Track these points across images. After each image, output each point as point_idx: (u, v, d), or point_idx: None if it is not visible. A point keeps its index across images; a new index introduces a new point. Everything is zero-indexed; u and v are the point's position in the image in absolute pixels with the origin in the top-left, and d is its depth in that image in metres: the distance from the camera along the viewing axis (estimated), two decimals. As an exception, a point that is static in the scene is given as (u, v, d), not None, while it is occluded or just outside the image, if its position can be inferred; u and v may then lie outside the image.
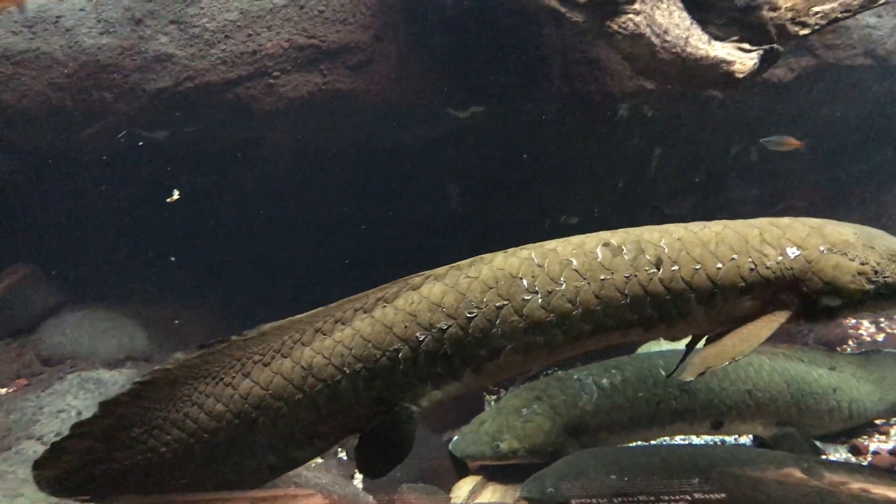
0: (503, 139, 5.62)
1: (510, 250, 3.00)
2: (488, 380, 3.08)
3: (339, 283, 6.08)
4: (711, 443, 4.85)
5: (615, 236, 2.99)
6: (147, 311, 6.04)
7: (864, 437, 4.82)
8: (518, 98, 5.33)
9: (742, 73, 3.71)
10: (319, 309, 2.97)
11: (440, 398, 3.00)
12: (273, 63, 5.07)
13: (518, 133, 5.59)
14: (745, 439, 4.85)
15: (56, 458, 2.89)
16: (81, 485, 2.91)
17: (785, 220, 3.05)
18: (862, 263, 2.88)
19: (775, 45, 3.82)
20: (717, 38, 3.90)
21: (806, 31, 3.90)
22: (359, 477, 4.70)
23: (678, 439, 4.82)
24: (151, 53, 5.06)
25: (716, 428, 4.45)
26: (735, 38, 3.91)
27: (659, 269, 2.85)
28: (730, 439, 4.88)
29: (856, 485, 3.51)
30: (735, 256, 2.87)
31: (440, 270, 2.99)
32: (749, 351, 2.77)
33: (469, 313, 2.83)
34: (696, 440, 4.88)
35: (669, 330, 2.99)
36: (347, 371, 2.85)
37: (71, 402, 5.00)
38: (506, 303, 2.83)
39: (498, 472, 4.39)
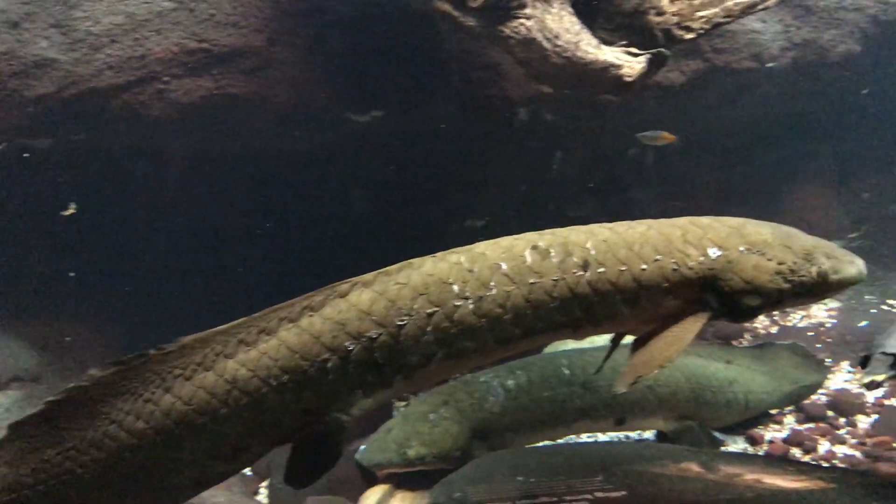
0: (405, 143, 5.59)
1: (439, 254, 2.95)
2: (419, 386, 3.04)
3: (243, 293, 5.96)
4: (615, 439, 4.93)
5: (543, 238, 2.97)
6: (35, 329, 5.73)
7: (761, 426, 4.98)
8: (418, 102, 5.31)
9: (631, 76, 3.79)
10: (242, 319, 2.86)
11: (370, 406, 2.93)
12: (162, 68, 4.90)
13: (419, 137, 5.57)
14: (648, 434, 4.95)
15: None
16: None
17: (706, 220, 3.08)
18: (779, 263, 2.94)
19: (662, 49, 3.91)
20: (606, 42, 3.97)
21: (691, 35, 4.01)
22: (263, 492, 4.58)
23: (584, 437, 4.88)
24: (31, 58, 4.81)
25: (619, 424, 4.51)
26: (623, 42, 3.98)
27: (586, 272, 2.85)
28: (633, 435, 4.97)
29: (750, 476, 3.60)
30: (659, 257, 2.89)
31: (368, 277, 2.91)
32: (676, 355, 2.81)
33: (399, 321, 2.77)
34: (601, 437, 4.95)
35: (596, 330, 3.00)
36: (274, 383, 2.74)
37: (-50, 428, 4.70)
38: (437, 309, 2.78)
39: (406, 479, 4.34)
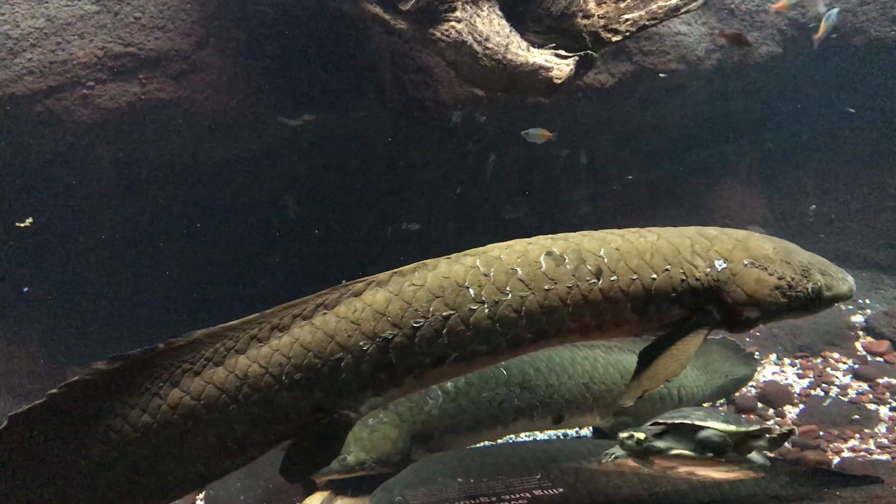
0: (338, 147, 5.55)
1: (454, 256, 2.96)
2: (428, 384, 3.03)
3: (174, 301, 5.84)
4: (554, 438, 4.98)
5: (556, 244, 3.00)
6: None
7: (693, 420, 5.09)
8: (350, 105, 5.28)
9: (560, 78, 3.83)
10: (255, 315, 2.80)
11: (379, 404, 2.95)
12: (86, 72, 4.76)
13: (352, 140, 5.54)
14: (586, 431, 5.01)
15: None
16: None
17: (713, 231, 3.18)
18: (779, 278, 3.03)
19: (590, 51, 3.97)
20: (535, 45, 4.01)
21: (617, 38, 4.07)
22: (200, 502, 4.49)
23: (523, 436, 4.92)
24: (-54, 62, 4.63)
25: (557, 422, 4.56)
26: (552, 45, 4.03)
27: (599, 280, 2.90)
28: (571, 432, 5.02)
29: (683, 468, 3.68)
30: (668, 267, 2.96)
31: (383, 276, 2.89)
32: (680, 370, 2.89)
33: (415, 323, 2.78)
34: (539, 436, 4.99)
35: (602, 335, 3.08)
36: (286, 380, 2.74)
37: None
38: (453, 312, 2.79)
39: (346, 485, 4.31)
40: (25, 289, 5.27)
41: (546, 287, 2.87)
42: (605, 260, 2.95)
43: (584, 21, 4.03)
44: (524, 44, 3.89)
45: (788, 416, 4.99)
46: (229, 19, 5.00)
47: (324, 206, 5.93)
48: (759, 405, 5.11)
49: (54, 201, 5.32)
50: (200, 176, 5.53)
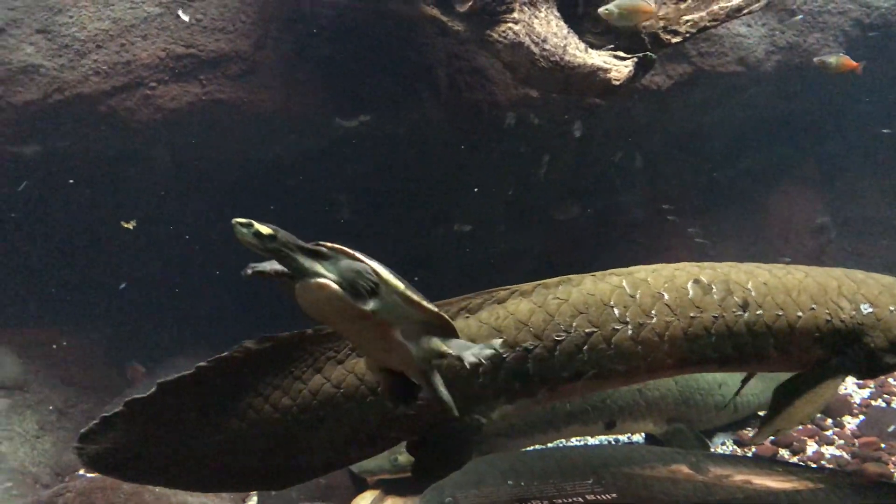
0: (392, 148, 5.58)
1: (599, 274, 2.99)
2: (561, 398, 3.06)
3: (229, 300, 5.94)
4: (605, 443, 4.94)
5: (704, 272, 3.02)
6: (19, 337, 5.68)
7: (749, 428, 5.01)
8: (405, 107, 5.30)
9: (618, 80, 3.81)
10: None
11: (510, 412, 2.97)
12: (149, 73, 4.87)
13: (407, 141, 5.56)
14: (638, 437, 4.96)
15: (103, 433, 2.73)
16: (124, 464, 2.77)
17: (860, 275, 3.18)
18: None
19: (649, 53, 3.93)
20: (593, 46, 3.99)
21: (677, 39, 4.03)
22: (254, 499, 4.56)
23: (573, 441, 4.89)
24: (17, 64, 4.78)
25: (609, 428, 4.52)
26: (611, 46, 4.00)
27: (745, 312, 2.92)
28: (623, 438, 4.98)
29: (739, 477, 3.63)
30: (814, 306, 2.99)
31: (526, 287, 2.94)
32: (815, 414, 2.91)
33: (557, 336, 2.81)
34: (591, 441, 4.96)
35: (741, 367, 3.11)
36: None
37: (-65, 438, 4.68)
38: (595, 330, 2.82)
39: (396, 485, 4.34)
40: (123, 285, 5.40)
41: (692, 314, 2.89)
42: (753, 293, 2.97)
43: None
44: (582, 45, 3.87)
45: (848, 426, 4.87)
46: (287, 22, 5.07)
47: (376, 207, 5.97)
48: (818, 415, 4.99)
49: (116, 200, 5.47)
50: (255, 176, 5.62)
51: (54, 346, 5.66)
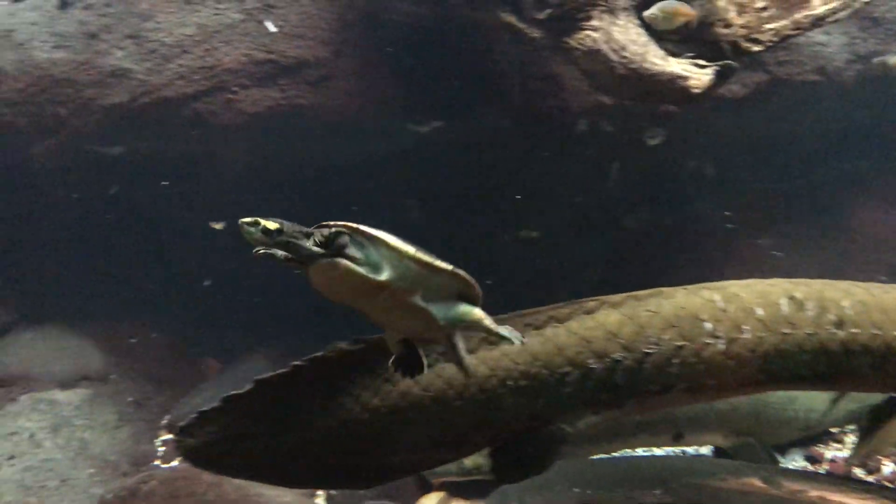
0: (462, 153, 5.64)
1: (690, 287, 2.98)
2: (648, 411, 3.08)
3: (300, 301, 6.07)
4: (672, 454, 4.89)
5: (798, 289, 2.99)
6: (102, 330, 5.93)
7: (821, 445, 4.90)
8: (477, 113, 5.35)
9: (698, 88, 3.78)
10: None
11: (596, 422, 3.00)
12: (231, 78, 5.03)
13: (477, 147, 5.61)
14: (706, 450, 4.90)
15: (201, 427, 2.83)
16: (220, 458, 2.87)
17: None
18: None
19: (730, 61, 3.89)
20: (672, 54, 3.97)
21: (759, 48, 3.98)
22: (321, 494, 4.65)
23: (639, 451, 4.85)
24: (107, 68, 5.00)
25: (677, 439, 4.48)
26: (690, 54, 3.98)
27: (840, 330, 2.90)
28: (690, 450, 4.92)
29: (813, 492, 3.56)
30: None
31: (616, 298, 2.96)
32: None
33: (647, 349, 2.81)
34: (657, 452, 4.91)
35: (833, 387, 3.10)
36: (511, 385, 2.81)
37: (23, 423, 4.91)
38: (686, 343, 2.82)
39: (461, 487, 4.37)
40: (207, 282, 5.57)
41: (785, 331, 2.86)
42: (849, 311, 2.91)
43: (724, 30, 3.95)
44: (661, 53, 3.86)
45: (928, 447, 4.73)
46: (364, 29, 5.17)
47: (444, 212, 6.03)
48: (896, 434, 4.85)
49: (195, 201, 5.65)
50: (329, 179, 5.73)
51: (134, 340, 5.88)
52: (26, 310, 6.00)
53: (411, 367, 2.55)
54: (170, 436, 5.50)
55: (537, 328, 2.88)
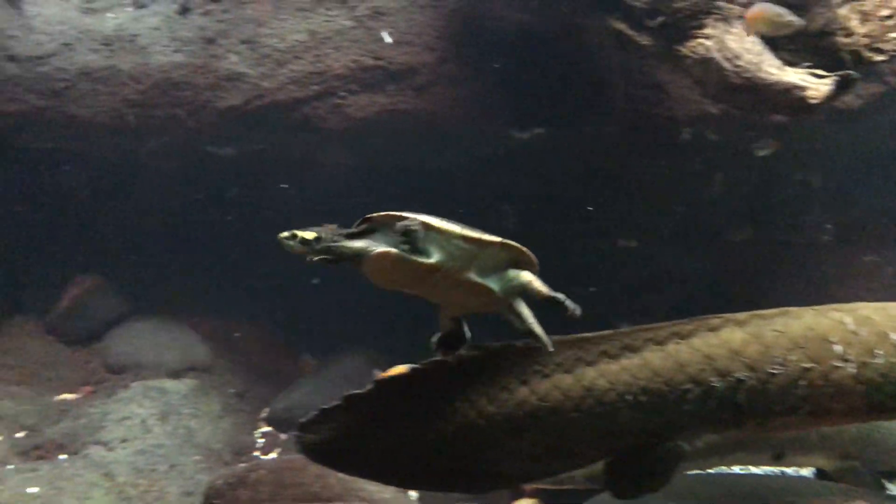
0: (562, 160, 5.63)
1: (819, 308, 2.90)
2: (770, 433, 3.06)
3: (392, 303, 6.17)
4: (771, 473, 4.76)
5: None
6: (207, 323, 6.17)
7: (933, 474, 4.68)
8: (580, 120, 5.33)
9: (816, 99, 3.67)
10: (609, 332, 2.89)
11: (715, 442, 2.94)
12: (340, 83, 5.16)
13: (578, 154, 5.59)
14: (807, 471, 4.74)
15: (320, 424, 2.92)
16: (338, 455, 2.96)
17: None
18: None
19: (852, 72, 3.76)
20: (789, 63, 3.87)
21: (882, 58, 3.84)
22: (414, 495, 4.71)
23: (735, 469, 4.74)
24: (223, 72, 5.20)
25: (777, 459, 4.34)
26: (808, 63, 3.87)
27: None
28: (790, 471, 4.78)
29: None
30: None
31: (741, 316, 2.95)
32: None
33: (772, 369, 2.76)
34: (754, 470, 4.79)
35: None
36: (630, 400, 2.79)
37: (135, 409, 5.14)
38: (814, 366, 2.76)
39: (554, 496, 4.35)
40: (315, 280, 5.74)
41: None
42: None
43: (845, 39, 3.83)
44: (777, 62, 3.77)
45: None
46: (469, 35, 5.23)
47: (542, 218, 6.03)
48: None
49: (298, 202, 5.82)
50: (429, 182, 5.81)
51: (237, 335, 6.09)
52: (138, 302, 6.29)
53: (454, 344, 2.70)
54: (269, 428, 5.69)
55: (658, 343, 2.83)
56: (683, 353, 2.79)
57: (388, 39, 5.01)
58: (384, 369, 4.41)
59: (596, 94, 5.31)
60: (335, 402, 2.88)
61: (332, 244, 2.35)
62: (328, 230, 2.40)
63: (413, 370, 2.88)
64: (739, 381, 2.72)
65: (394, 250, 2.32)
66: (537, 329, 2.57)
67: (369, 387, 2.86)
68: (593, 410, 2.79)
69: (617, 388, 2.77)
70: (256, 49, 5.23)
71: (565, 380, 2.81)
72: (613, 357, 2.82)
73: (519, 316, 2.55)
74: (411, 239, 2.34)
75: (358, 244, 2.37)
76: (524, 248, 2.52)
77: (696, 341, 2.81)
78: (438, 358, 2.88)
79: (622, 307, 6.06)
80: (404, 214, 2.37)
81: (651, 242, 5.98)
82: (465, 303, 2.55)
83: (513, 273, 2.53)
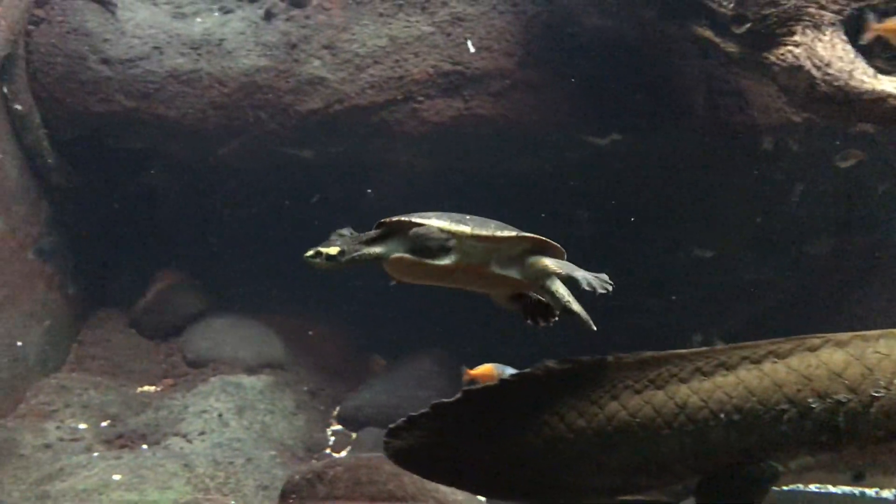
0: (640, 167, 5.58)
1: None
2: (869, 459, 3.02)
3: (461, 306, 6.20)
4: (850, 493, 4.63)
5: None
6: (282, 321, 6.28)
7: None
8: (658, 127, 5.28)
9: (911, 108, 3.56)
10: (703, 349, 2.86)
11: (810, 464, 2.84)
12: (418, 88, 5.22)
13: (655, 161, 5.54)
14: (888, 493, 4.60)
15: (408, 431, 2.94)
16: (423, 462, 3.00)
17: None
18: None
19: (948, 81, 3.64)
20: (882, 72, 3.76)
21: (980, 68, 3.71)
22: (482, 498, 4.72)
23: (812, 487, 4.62)
24: (305, 76, 5.31)
25: (857, 479, 4.20)
26: (904, 72, 3.76)
27: None
28: (870, 492, 4.64)
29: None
30: None
31: (842, 336, 2.91)
32: None
33: (875, 392, 2.68)
34: (832, 489, 4.66)
35: None
36: (723, 418, 2.76)
37: (213, 403, 5.27)
38: None
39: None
40: (392, 282, 5.84)
41: None
42: None
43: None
44: (871, 70, 3.66)
45: None
46: (548, 41, 5.23)
47: (617, 225, 5.98)
48: None
49: (375, 205, 5.90)
50: (503, 186, 5.83)
51: (310, 333, 6.20)
52: (216, 300, 6.45)
53: (542, 314, 2.77)
54: (339, 426, 5.77)
55: (754, 362, 2.78)
56: (780, 373, 2.73)
57: (471, 49, 5.04)
58: (472, 366, 4.47)
59: (676, 101, 5.25)
60: (423, 410, 2.92)
61: (355, 254, 2.54)
62: (347, 241, 2.59)
63: (502, 381, 2.90)
64: (839, 403, 2.64)
65: (408, 256, 2.47)
66: (575, 307, 2.60)
67: (457, 396, 2.89)
68: (685, 428, 2.75)
69: (710, 406, 2.74)
70: (337, 54, 5.32)
71: (657, 396, 2.78)
72: (707, 374, 2.79)
73: (553, 295, 2.60)
74: (422, 244, 2.49)
75: (376, 249, 2.54)
76: (544, 239, 2.61)
77: (794, 361, 2.75)
78: (527, 370, 2.89)
79: (697, 317, 5.98)
80: (417, 220, 2.51)
81: (728, 253, 5.87)
82: (494, 289, 2.67)
83: (533, 259, 2.61)
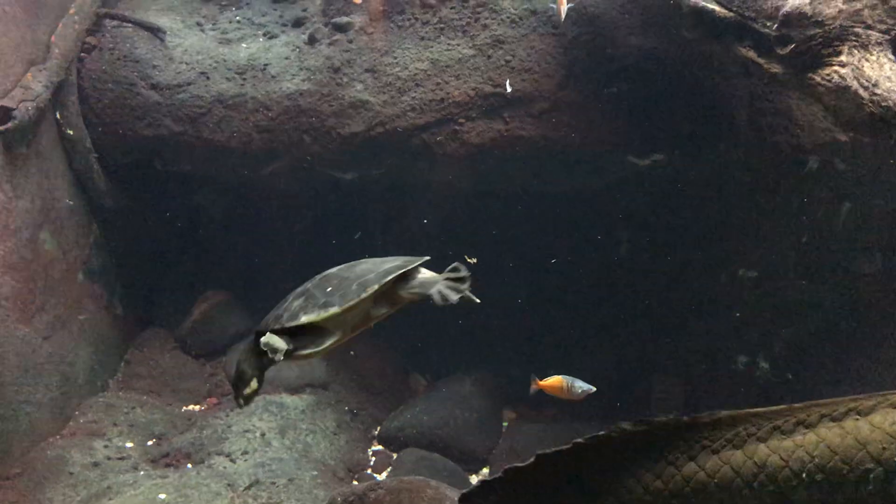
0: (682, 187, 5.55)
1: None
2: None
3: (504, 330, 6.19)
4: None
5: None
6: (326, 342, 6.31)
7: None
8: (701, 147, 5.25)
9: (962, 128, 3.50)
10: (781, 407, 2.83)
11: None
12: (459, 110, 5.26)
13: (698, 182, 5.50)
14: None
15: (484, 495, 2.99)
16: None
17: None
18: None
19: None
20: (933, 91, 3.70)
21: None
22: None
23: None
24: (347, 100, 5.38)
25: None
26: (954, 91, 3.68)
27: None
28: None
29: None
30: None
31: None
32: None
33: None
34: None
35: None
36: (805, 478, 2.70)
37: (256, 423, 5.32)
38: None
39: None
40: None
41: None
42: None
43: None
44: (920, 90, 3.61)
45: None
46: (589, 62, 5.23)
47: (657, 246, 5.94)
48: None
49: (417, 226, 5.93)
50: (543, 208, 5.83)
51: (352, 353, 6.23)
52: (260, 319, 6.51)
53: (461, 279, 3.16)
54: (380, 447, 5.78)
55: (835, 420, 2.70)
56: (864, 431, 2.64)
57: (508, 90, 5.10)
58: (542, 377, 4.51)
59: (719, 121, 5.21)
60: (497, 475, 2.92)
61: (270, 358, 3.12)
62: (250, 363, 3.25)
63: (574, 444, 2.86)
64: None
65: (300, 352, 3.15)
66: (452, 299, 3.03)
67: (530, 460, 2.87)
68: (765, 488, 2.70)
69: (791, 466, 2.67)
70: (379, 77, 5.38)
71: (736, 456, 2.73)
72: (787, 433, 2.73)
73: (429, 299, 3.04)
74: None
75: (278, 357, 3.12)
76: (401, 267, 3.09)
77: (877, 418, 2.65)
78: (601, 433, 2.86)
79: (741, 340, 5.89)
80: (288, 326, 3.11)
81: (773, 273, 5.78)
82: (384, 318, 3.20)
83: (401, 292, 3.12)
